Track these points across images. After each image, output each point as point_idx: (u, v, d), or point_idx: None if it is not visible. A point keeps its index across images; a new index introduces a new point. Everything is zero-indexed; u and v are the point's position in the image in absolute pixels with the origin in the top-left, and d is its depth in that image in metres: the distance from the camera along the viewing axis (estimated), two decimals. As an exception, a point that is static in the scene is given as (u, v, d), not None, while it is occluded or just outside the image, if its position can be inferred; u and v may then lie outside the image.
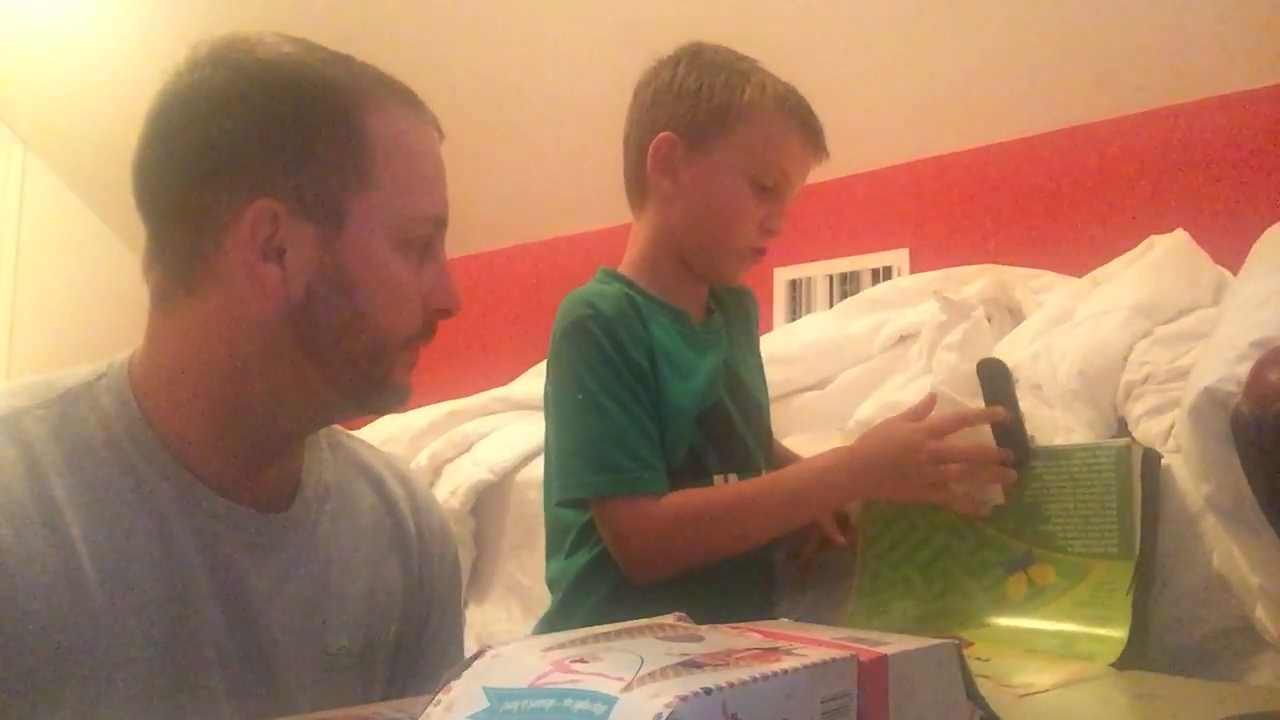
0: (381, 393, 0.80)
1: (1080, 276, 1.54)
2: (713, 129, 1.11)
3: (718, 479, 1.10)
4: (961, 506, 1.04)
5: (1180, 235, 1.41)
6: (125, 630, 0.71)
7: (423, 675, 0.90)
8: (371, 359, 0.78)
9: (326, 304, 0.75)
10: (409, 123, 0.79)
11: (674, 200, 1.13)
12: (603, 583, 1.08)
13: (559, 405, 1.09)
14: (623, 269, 1.17)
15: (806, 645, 0.48)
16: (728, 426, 1.12)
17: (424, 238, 0.79)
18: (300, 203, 0.74)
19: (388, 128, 0.77)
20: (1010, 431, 1.04)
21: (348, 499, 0.88)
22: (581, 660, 0.44)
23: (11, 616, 0.67)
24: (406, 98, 0.80)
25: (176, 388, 0.77)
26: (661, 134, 1.12)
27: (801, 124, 1.13)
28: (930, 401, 1.08)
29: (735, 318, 1.23)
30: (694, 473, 1.09)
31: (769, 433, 1.23)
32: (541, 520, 1.18)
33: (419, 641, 0.92)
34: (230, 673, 0.76)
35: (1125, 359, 1.19)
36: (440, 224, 0.81)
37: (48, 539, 0.70)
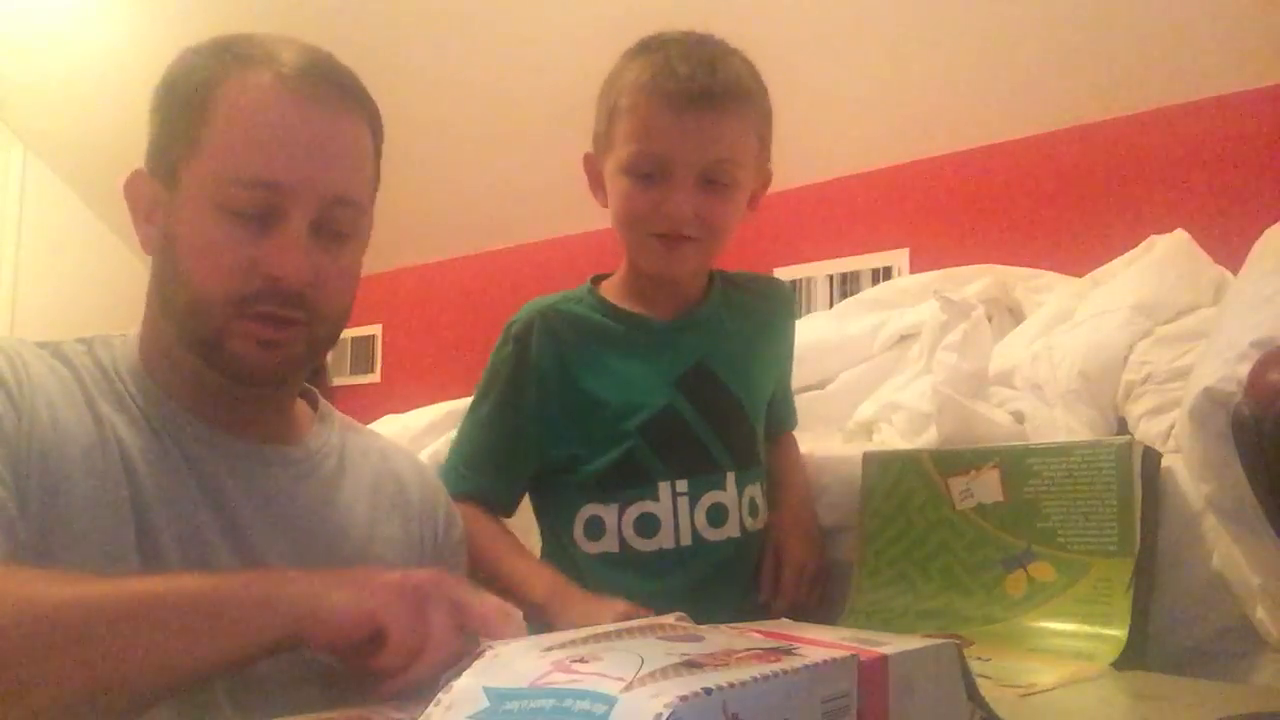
0: (219, 357, 0.81)
1: (1080, 276, 1.54)
2: (602, 135, 1.11)
3: (663, 485, 1.09)
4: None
5: (1180, 235, 1.41)
6: (133, 512, 0.76)
7: None
8: (192, 315, 0.81)
9: (161, 259, 0.83)
10: (261, 93, 0.80)
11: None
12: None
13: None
14: (615, 273, 1.19)
15: (806, 645, 0.48)
16: (678, 431, 1.11)
17: (257, 203, 0.79)
18: (153, 168, 0.83)
19: (233, 99, 0.80)
20: None
21: (354, 459, 0.93)
22: (582, 660, 0.44)
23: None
24: (280, 74, 0.80)
25: (146, 337, 0.86)
26: (585, 154, 1.15)
27: (663, 98, 1.04)
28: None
29: (743, 312, 1.20)
30: (635, 481, 1.09)
31: (749, 432, 1.17)
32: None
33: None
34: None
35: (1125, 359, 1.19)
36: (270, 188, 0.79)
37: (94, 425, 0.78)
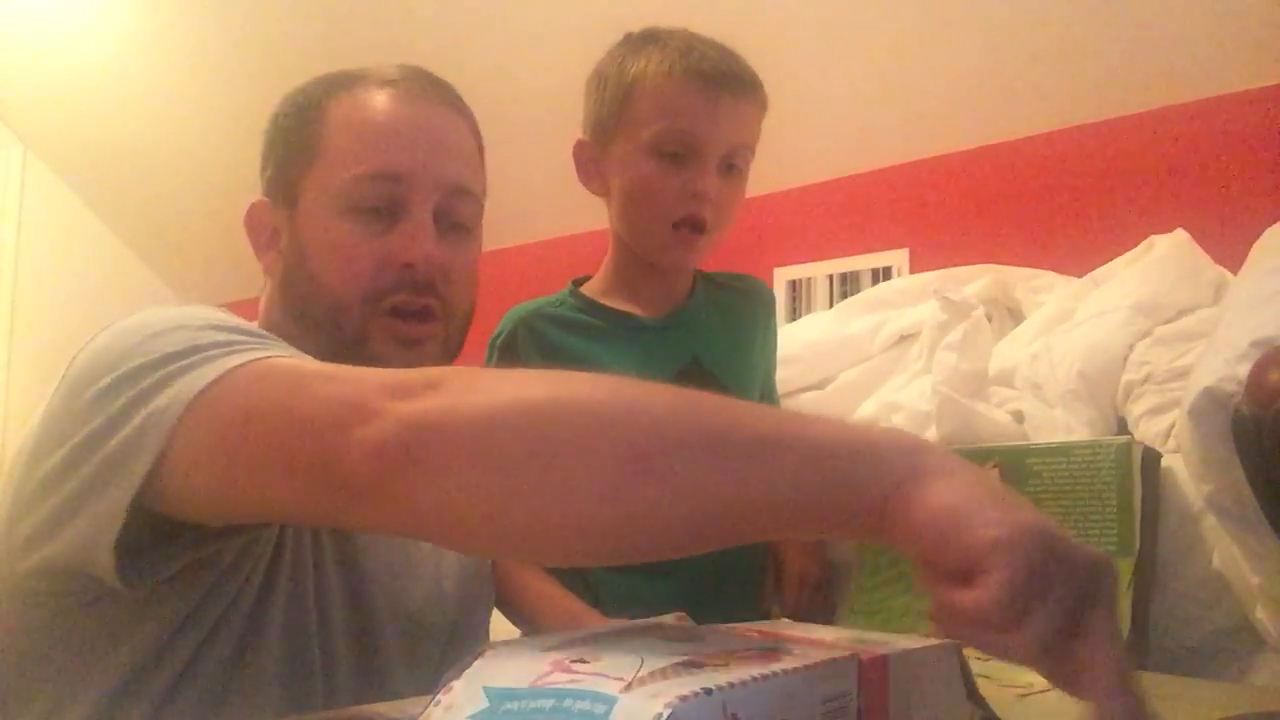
0: (362, 360, 0.81)
1: (1080, 276, 1.54)
2: (611, 119, 1.10)
3: None
4: None
5: (1180, 235, 1.41)
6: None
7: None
8: (333, 320, 0.82)
9: (293, 274, 0.84)
10: (371, 101, 0.84)
11: (608, 198, 1.14)
12: None
13: None
14: (597, 274, 1.19)
15: (806, 645, 0.48)
16: None
17: (382, 197, 0.82)
18: (274, 195, 0.86)
19: (346, 111, 0.84)
20: None
21: None
22: (581, 660, 0.44)
23: None
24: (387, 83, 0.85)
25: None
26: (576, 141, 1.15)
27: (698, 77, 1.06)
28: None
29: (728, 311, 1.21)
30: None
31: None
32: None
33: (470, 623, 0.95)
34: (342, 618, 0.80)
35: (1125, 359, 1.19)
36: (392, 179, 0.82)
37: None
